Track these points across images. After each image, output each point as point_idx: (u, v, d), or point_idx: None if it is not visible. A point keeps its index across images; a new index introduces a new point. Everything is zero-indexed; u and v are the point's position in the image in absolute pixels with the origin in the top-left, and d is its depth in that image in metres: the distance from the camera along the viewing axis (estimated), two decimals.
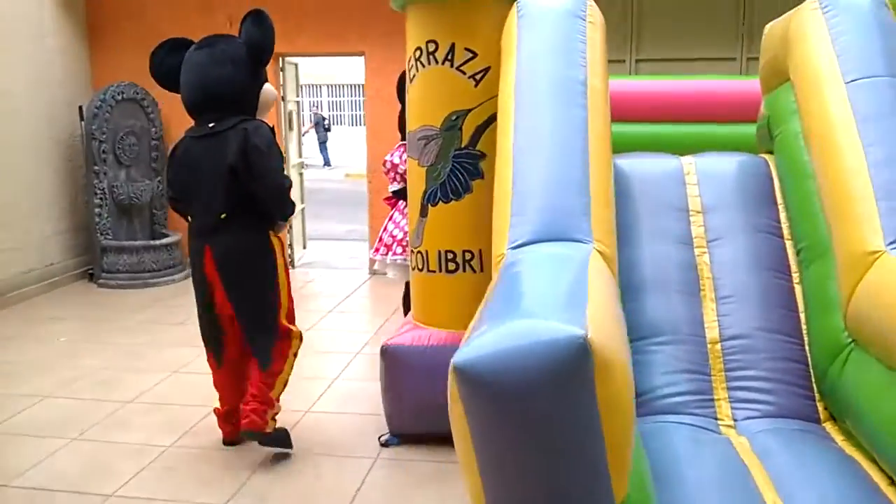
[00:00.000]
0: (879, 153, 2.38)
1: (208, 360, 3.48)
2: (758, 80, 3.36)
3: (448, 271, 3.37)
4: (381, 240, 4.50)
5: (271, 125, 3.32)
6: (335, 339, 5.05)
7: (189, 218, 3.37)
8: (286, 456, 3.34)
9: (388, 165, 4.42)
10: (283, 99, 7.26)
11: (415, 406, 3.38)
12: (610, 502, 1.49)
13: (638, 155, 3.25)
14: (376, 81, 6.87)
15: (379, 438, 3.46)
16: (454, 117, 3.29)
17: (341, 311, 5.88)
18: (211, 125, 3.24)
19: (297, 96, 7.87)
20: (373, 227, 7.03)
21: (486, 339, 1.42)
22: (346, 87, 26.58)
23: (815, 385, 2.59)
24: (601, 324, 1.51)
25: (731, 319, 2.67)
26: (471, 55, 3.24)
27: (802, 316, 2.68)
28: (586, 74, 2.63)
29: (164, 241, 6.78)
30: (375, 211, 6.98)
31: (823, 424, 2.53)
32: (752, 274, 2.76)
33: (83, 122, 6.73)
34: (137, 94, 6.84)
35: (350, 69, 19.13)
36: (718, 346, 2.64)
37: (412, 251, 3.51)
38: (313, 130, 19.80)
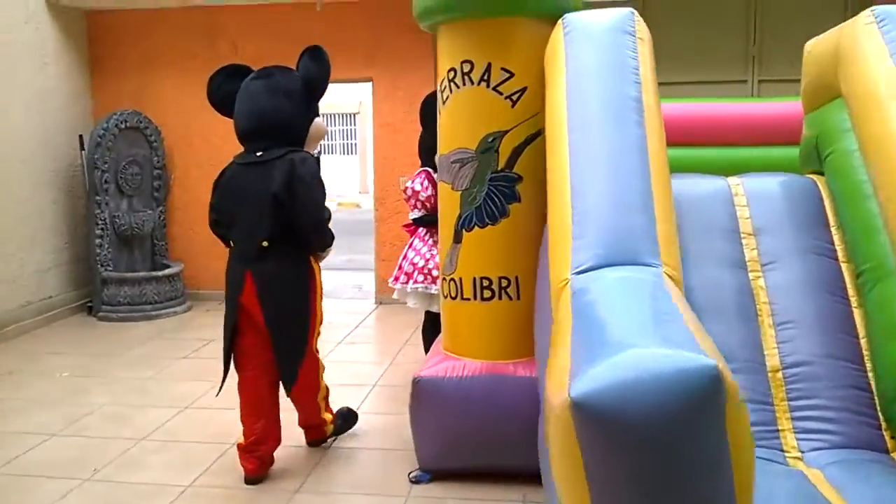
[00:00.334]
0: None
1: (238, 385, 3.40)
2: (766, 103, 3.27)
3: (483, 299, 3.23)
4: (400, 268, 4.37)
5: (317, 157, 3.33)
6: (349, 372, 4.87)
7: (230, 243, 3.39)
8: (315, 493, 3.17)
9: (409, 192, 4.30)
10: None
11: (448, 441, 3.22)
12: None
13: (680, 175, 3.14)
14: (384, 107, 6.79)
15: (409, 475, 3.29)
16: (490, 139, 3.18)
17: (351, 342, 5.71)
18: (258, 154, 3.30)
19: None
20: (379, 256, 6.90)
21: (602, 370, 1.28)
22: (337, 115, 26.60)
23: (881, 413, 2.47)
24: (715, 353, 1.38)
25: (792, 346, 2.55)
26: (507, 75, 3.14)
27: (863, 341, 2.56)
28: (640, 91, 2.53)
29: (166, 272, 6.60)
30: (383, 239, 6.85)
31: (892, 454, 2.41)
32: (809, 298, 2.64)
33: (83, 151, 6.58)
34: (140, 122, 6.71)
35: (341, 97, 19.02)
36: (780, 374, 2.52)
37: (444, 278, 3.37)
38: None
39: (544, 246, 3.04)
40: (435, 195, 4.29)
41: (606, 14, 2.78)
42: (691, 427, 1.22)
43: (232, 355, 3.37)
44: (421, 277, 4.21)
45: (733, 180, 3.03)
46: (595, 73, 2.59)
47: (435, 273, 4.20)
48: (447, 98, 3.29)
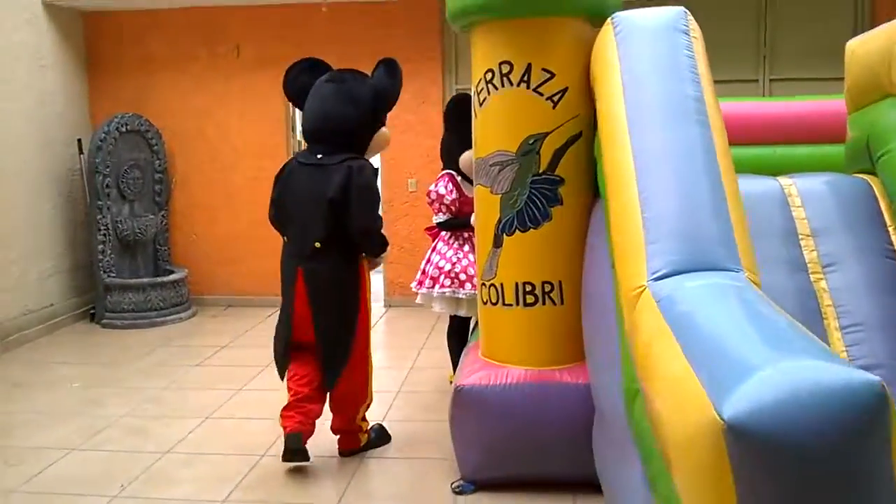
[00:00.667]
0: None
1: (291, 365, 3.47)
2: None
3: (526, 304, 3.14)
4: (424, 272, 4.29)
5: (376, 167, 3.42)
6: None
7: (286, 238, 3.48)
8: None
9: (434, 196, 4.22)
10: None
11: (492, 449, 3.13)
12: None
13: None
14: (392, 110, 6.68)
15: (452, 486, 3.20)
16: (531, 141, 3.09)
17: None
18: (319, 156, 3.38)
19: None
20: (388, 259, 6.76)
21: (754, 388, 1.20)
22: None
23: None
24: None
25: (861, 349, 2.49)
26: (548, 76, 3.06)
27: None
28: (700, 90, 2.46)
29: (171, 277, 6.45)
30: (392, 242, 6.71)
31: None
32: (873, 300, 2.60)
33: (83, 156, 6.42)
34: (142, 125, 6.55)
35: None
36: None
37: (483, 284, 3.28)
38: None
39: (595, 250, 2.97)
40: (459, 198, 4.22)
41: (658, 12, 2.70)
42: (862, 445, 1.15)
43: (288, 346, 3.42)
44: (448, 282, 4.13)
45: (785, 180, 2.97)
46: (652, 72, 2.52)
47: (462, 277, 4.11)
48: (484, 100, 3.20)
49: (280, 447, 3.34)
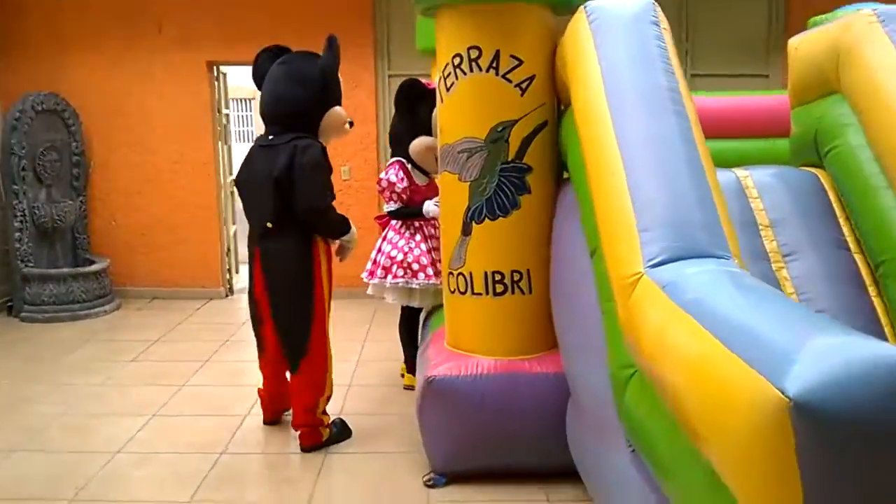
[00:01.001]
0: None
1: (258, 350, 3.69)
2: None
3: (496, 294, 3.16)
4: (375, 262, 4.21)
5: (324, 146, 3.38)
6: None
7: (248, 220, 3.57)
8: None
9: (385, 184, 4.14)
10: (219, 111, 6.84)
11: (463, 441, 3.13)
12: None
13: None
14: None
15: (424, 479, 3.18)
16: (500, 128, 3.10)
17: None
18: (270, 137, 3.40)
19: (227, 108, 7.38)
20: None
21: (812, 363, 1.25)
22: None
23: None
24: None
25: None
26: (517, 63, 3.07)
27: (887, 330, 2.68)
28: (676, 81, 2.53)
29: (93, 268, 6.13)
30: None
31: None
32: (833, 289, 2.74)
33: None
34: (58, 104, 6.19)
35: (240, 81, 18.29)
36: None
37: (451, 273, 3.27)
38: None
39: (563, 238, 3.01)
40: (410, 187, 4.18)
41: (629, 3, 2.75)
42: None
43: (257, 325, 3.59)
44: (401, 272, 4.09)
45: (740, 172, 3.09)
46: (629, 62, 2.56)
47: (415, 267, 4.08)
48: (452, 84, 3.18)
49: (238, 446, 3.49)
